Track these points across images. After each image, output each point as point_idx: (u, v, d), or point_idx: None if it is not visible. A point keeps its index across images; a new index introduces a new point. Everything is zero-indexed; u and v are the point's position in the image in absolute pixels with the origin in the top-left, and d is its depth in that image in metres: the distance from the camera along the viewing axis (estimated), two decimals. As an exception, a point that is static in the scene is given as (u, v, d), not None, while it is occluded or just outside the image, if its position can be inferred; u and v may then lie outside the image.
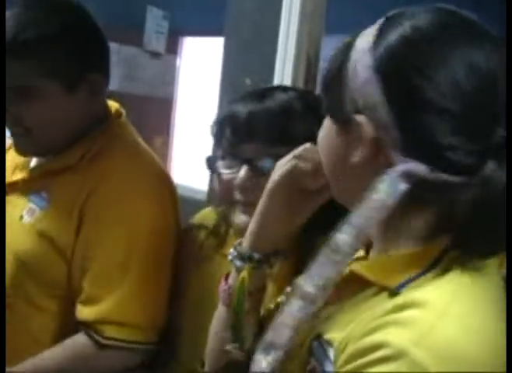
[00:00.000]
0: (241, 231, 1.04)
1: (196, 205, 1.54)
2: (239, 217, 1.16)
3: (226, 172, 1.18)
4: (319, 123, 0.83)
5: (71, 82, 1.30)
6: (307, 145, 0.91)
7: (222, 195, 1.22)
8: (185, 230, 1.40)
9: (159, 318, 1.32)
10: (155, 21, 3.67)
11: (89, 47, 1.33)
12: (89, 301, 1.28)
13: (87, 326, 1.27)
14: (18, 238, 1.33)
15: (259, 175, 1.12)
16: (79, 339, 1.28)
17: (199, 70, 3.93)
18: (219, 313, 0.99)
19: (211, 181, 1.44)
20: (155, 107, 3.81)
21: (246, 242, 0.95)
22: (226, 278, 0.98)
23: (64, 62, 1.28)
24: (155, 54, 3.76)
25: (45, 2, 1.33)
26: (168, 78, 3.89)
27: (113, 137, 1.38)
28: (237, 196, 1.16)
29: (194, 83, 4.02)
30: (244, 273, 0.93)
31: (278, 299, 1.00)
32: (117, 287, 1.27)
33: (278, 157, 0.95)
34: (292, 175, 0.90)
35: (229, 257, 0.96)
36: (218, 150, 1.21)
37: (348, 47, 0.76)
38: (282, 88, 1.24)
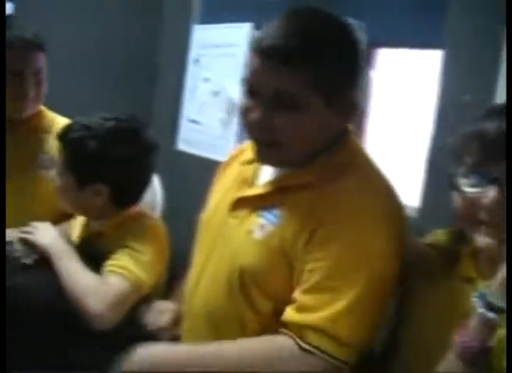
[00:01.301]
0: (483, 255, 1.07)
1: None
2: (482, 240, 1.14)
3: (470, 191, 1.16)
4: None
5: (332, 97, 1.30)
6: None
7: (463, 214, 1.19)
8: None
9: (367, 341, 1.31)
10: (353, 32, 3.61)
11: (351, 64, 1.34)
12: (303, 309, 1.28)
13: (293, 329, 1.28)
14: (247, 252, 1.36)
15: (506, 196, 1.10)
16: (280, 340, 1.29)
17: (393, 82, 3.82)
18: (452, 366, 0.91)
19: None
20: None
21: (496, 290, 0.86)
22: (464, 326, 0.91)
23: (329, 75, 1.28)
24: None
25: (314, 13, 1.34)
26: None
27: (350, 154, 1.39)
28: (483, 216, 1.14)
29: (389, 96, 3.90)
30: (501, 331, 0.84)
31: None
32: (336, 301, 1.26)
33: None
34: None
35: (475, 304, 0.87)
36: (460, 167, 1.19)
37: None
38: None
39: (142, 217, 1.82)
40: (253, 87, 1.31)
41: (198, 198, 3.08)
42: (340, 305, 1.25)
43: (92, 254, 1.70)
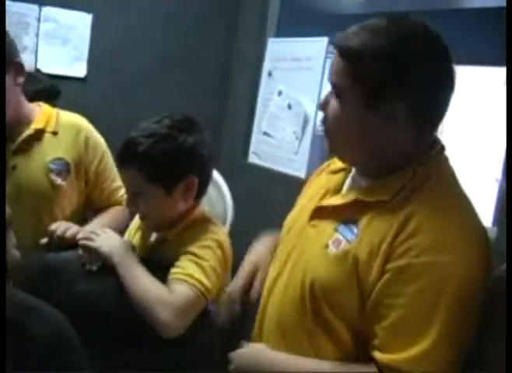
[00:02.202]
0: None
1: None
2: None
3: None
4: None
5: (371, 98, 1.27)
6: None
7: None
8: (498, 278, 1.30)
9: (456, 368, 1.25)
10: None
11: (428, 77, 1.28)
12: (387, 349, 1.24)
13: (382, 367, 1.24)
14: (319, 266, 1.34)
15: None
16: (366, 369, 1.27)
17: (461, 100, 3.77)
18: None
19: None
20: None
21: None
22: None
23: (372, 74, 1.26)
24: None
25: (394, 19, 1.31)
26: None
27: (433, 173, 1.31)
28: None
29: (465, 112, 3.84)
30: None
31: None
32: (417, 340, 1.21)
33: None
34: None
35: None
36: None
37: None
38: None
39: (205, 222, 1.79)
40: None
41: (267, 210, 3.08)
42: (425, 343, 1.20)
43: (157, 261, 1.70)
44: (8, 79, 1.85)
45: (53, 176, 1.99)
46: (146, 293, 1.59)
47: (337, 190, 1.43)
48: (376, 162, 1.33)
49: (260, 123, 3.36)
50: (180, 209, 1.74)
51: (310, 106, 3.04)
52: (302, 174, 3.04)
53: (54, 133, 2.01)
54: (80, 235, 1.74)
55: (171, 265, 1.65)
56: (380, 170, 1.33)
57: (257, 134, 3.37)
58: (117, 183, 2.15)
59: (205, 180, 1.78)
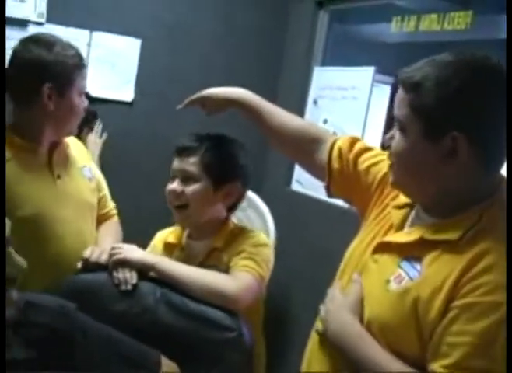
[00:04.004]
0: None
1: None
2: None
3: None
4: None
5: (434, 131, 1.27)
6: None
7: None
8: None
9: None
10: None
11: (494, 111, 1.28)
12: None
13: None
14: (379, 301, 1.35)
15: None
16: None
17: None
18: None
19: None
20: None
21: None
22: None
23: (435, 108, 1.26)
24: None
25: (461, 53, 1.31)
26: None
27: (501, 214, 1.29)
28: None
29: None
30: None
31: None
32: None
33: None
34: None
35: None
36: None
37: None
38: None
39: (244, 229, 1.97)
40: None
41: (307, 237, 3.06)
42: None
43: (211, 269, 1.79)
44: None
45: (90, 183, 2.04)
46: (207, 277, 1.70)
47: (400, 226, 1.42)
48: (439, 198, 1.32)
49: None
50: (218, 212, 1.88)
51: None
52: (343, 202, 3.00)
53: (68, 145, 2.10)
54: (106, 257, 1.77)
55: (226, 268, 1.80)
56: (445, 208, 1.32)
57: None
58: (105, 191, 2.20)
59: (242, 192, 1.99)
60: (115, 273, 1.70)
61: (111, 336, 1.35)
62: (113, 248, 1.80)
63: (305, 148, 1.71)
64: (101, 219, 2.19)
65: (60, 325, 1.24)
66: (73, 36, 3.32)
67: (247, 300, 1.70)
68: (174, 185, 1.91)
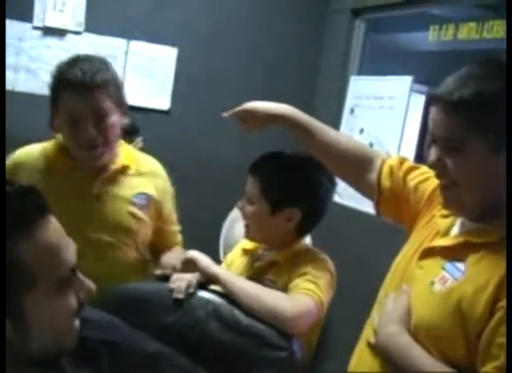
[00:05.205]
0: None
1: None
2: None
3: None
4: None
5: (497, 142, 1.29)
6: None
7: None
8: None
9: None
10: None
11: None
12: None
13: None
14: (425, 303, 1.36)
15: None
16: None
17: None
18: None
19: None
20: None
21: None
22: None
23: (494, 120, 1.28)
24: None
25: (490, 62, 1.35)
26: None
27: None
28: None
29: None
30: None
31: None
32: None
33: None
34: None
35: None
36: None
37: None
38: None
39: (311, 249, 1.90)
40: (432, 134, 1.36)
41: (345, 248, 3.04)
42: None
43: (264, 283, 1.76)
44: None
45: (135, 209, 2.02)
46: (267, 296, 1.65)
47: (446, 233, 1.44)
48: (487, 206, 1.35)
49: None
50: (281, 233, 1.85)
51: (392, 146, 3.00)
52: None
53: (137, 171, 2.05)
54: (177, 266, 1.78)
55: (284, 287, 1.74)
56: (488, 214, 1.35)
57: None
58: (176, 227, 2.18)
59: (310, 219, 1.88)
60: (172, 282, 1.71)
61: (158, 353, 1.34)
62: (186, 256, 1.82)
63: (356, 167, 1.71)
64: (162, 248, 2.18)
65: (109, 340, 1.24)
66: (111, 44, 3.37)
67: (304, 326, 1.66)
68: (240, 202, 1.92)
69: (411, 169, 1.63)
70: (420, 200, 1.57)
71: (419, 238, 1.51)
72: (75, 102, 1.83)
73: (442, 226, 1.45)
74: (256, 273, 1.83)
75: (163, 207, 2.12)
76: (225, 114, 1.85)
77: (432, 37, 3.06)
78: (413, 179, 1.61)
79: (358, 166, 1.71)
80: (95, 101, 1.84)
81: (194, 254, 1.77)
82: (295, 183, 1.83)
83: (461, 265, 1.33)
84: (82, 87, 1.81)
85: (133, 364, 1.24)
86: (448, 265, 1.35)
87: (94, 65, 1.87)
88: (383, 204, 1.68)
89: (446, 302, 1.31)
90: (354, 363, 1.58)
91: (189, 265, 1.75)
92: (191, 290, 1.67)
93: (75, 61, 1.88)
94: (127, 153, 2.06)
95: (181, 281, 1.69)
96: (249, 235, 1.93)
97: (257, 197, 1.84)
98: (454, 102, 1.28)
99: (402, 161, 1.66)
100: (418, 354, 1.32)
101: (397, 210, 1.66)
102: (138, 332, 1.33)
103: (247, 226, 1.90)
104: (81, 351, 1.16)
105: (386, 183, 1.64)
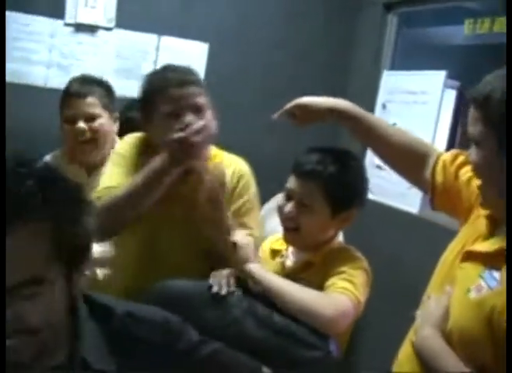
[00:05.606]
0: None
1: None
2: None
3: None
4: None
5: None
6: None
7: None
8: None
9: None
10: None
11: None
12: None
13: None
14: (459, 310, 1.37)
15: None
16: None
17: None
18: None
19: None
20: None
21: None
22: None
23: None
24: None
25: None
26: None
27: None
28: None
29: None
30: None
31: None
32: None
33: None
34: None
35: None
36: None
37: None
38: None
39: (345, 248, 1.88)
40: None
41: (377, 246, 3.01)
42: None
43: (301, 283, 1.73)
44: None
45: None
46: (305, 295, 1.64)
47: (487, 235, 1.42)
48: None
49: (373, 156, 3.29)
50: (329, 235, 1.77)
51: (426, 140, 2.96)
52: (415, 209, 2.95)
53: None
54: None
55: (319, 287, 1.71)
56: None
57: (370, 167, 3.30)
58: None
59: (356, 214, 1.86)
60: (212, 279, 1.70)
61: (217, 352, 1.32)
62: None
63: (412, 162, 1.72)
64: None
65: (162, 341, 1.22)
66: (142, 40, 3.37)
67: (342, 326, 1.65)
68: (289, 207, 1.80)
69: (464, 164, 1.61)
70: (472, 194, 1.55)
71: (466, 235, 1.50)
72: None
73: (483, 229, 1.44)
74: (289, 274, 1.80)
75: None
76: (275, 115, 1.82)
77: (467, 31, 3.01)
78: (466, 174, 1.60)
79: (414, 162, 1.71)
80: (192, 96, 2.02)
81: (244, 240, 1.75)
82: (357, 183, 1.83)
83: (497, 274, 1.32)
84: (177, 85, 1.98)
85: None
86: (485, 273, 1.34)
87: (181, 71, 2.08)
88: (437, 199, 1.68)
89: (478, 311, 1.30)
90: (399, 362, 1.57)
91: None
92: (231, 288, 1.66)
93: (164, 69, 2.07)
94: (216, 154, 2.15)
95: (221, 277, 1.69)
96: (297, 242, 1.85)
97: (317, 200, 1.77)
98: (470, 97, 1.32)
99: (456, 155, 1.65)
100: (446, 360, 1.32)
101: (451, 204, 1.65)
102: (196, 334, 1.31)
103: (295, 230, 1.81)
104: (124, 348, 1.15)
105: (439, 178, 1.65)
